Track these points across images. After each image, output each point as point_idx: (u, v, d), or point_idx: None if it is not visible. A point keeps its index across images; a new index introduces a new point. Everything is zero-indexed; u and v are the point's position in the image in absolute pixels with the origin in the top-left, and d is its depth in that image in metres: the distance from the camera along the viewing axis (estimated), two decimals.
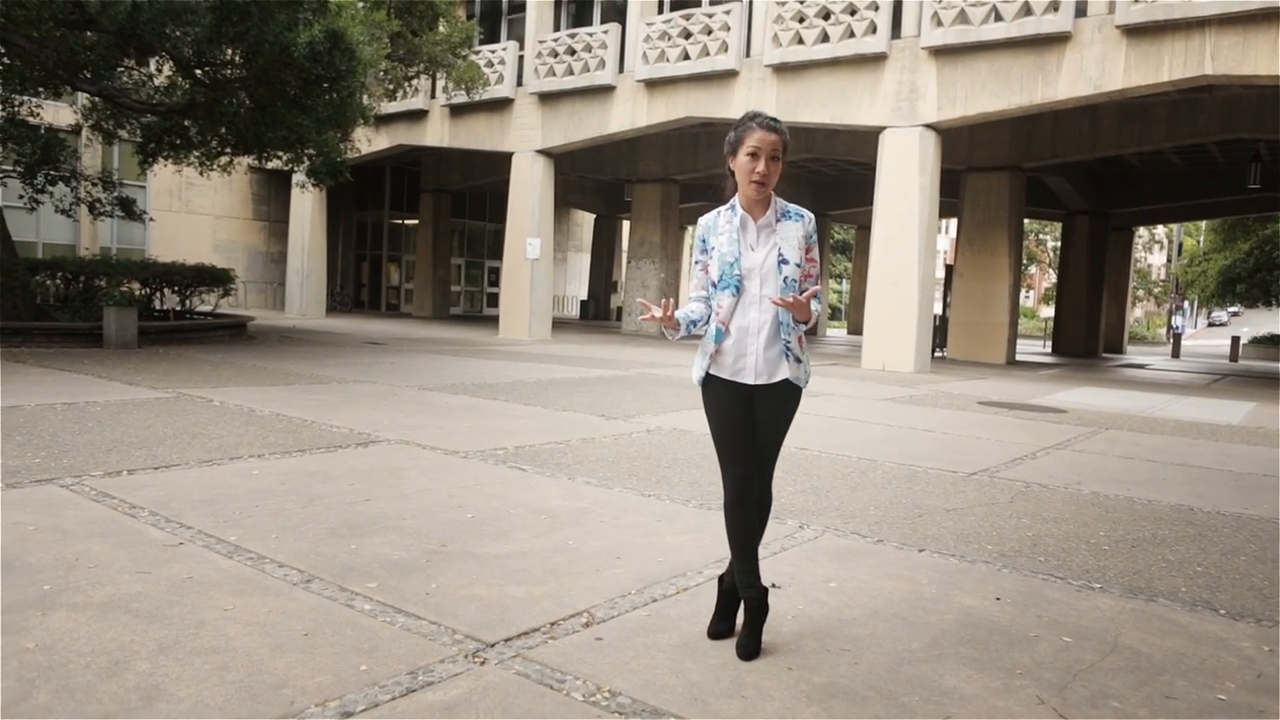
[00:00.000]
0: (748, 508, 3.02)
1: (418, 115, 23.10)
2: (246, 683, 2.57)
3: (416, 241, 31.71)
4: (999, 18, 15.04)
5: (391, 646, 2.87)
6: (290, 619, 3.06)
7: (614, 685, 2.68)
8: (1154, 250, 68.01)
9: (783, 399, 3.05)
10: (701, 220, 3.11)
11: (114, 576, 3.37)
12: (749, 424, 3.02)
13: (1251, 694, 2.88)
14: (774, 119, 2.95)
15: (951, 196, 21.31)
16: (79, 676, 2.54)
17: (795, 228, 3.02)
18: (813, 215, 3.09)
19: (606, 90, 19.85)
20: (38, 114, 15.65)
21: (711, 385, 3.03)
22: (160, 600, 3.15)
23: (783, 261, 2.99)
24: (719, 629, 3.12)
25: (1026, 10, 14.79)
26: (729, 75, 18.06)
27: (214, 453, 5.79)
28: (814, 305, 3.04)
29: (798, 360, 3.04)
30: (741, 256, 3.01)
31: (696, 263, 3.11)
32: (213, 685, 2.53)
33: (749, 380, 2.99)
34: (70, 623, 2.91)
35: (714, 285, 3.02)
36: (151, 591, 3.23)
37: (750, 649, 2.95)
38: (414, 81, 18.49)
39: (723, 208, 3.07)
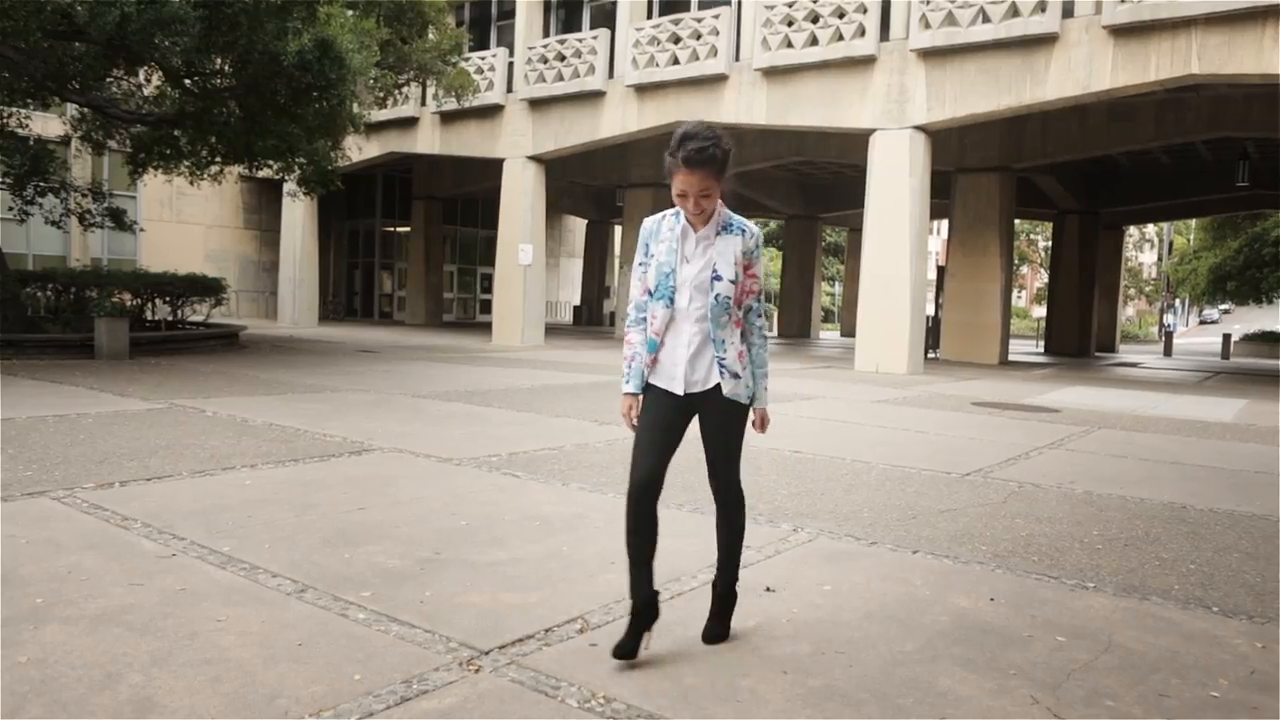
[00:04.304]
0: (639, 515, 2.93)
1: (408, 123, 23.10)
2: (240, 694, 2.56)
3: (409, 249, 31.69)
4: (986, 19, 15.10)
5: (386, 655, 2.86)
6: (284, 629, 3.05)
7: (609, 691, 2.68)
8: (1145, 249, 68.29)
9: (720, 413, 2.97)
10: (645, 223, 3.03)
11: (107, 589, 3.36)
12: (673, 433, 2.96)
13: (1245, 691, 2.89)
14: (703, 144, 2.76)
15: (942, 198, 21.37)
16: (72, 690, 2.53)
17: (734, 243, 2.92)
18: (758, 231, 2.98)
19: (597, 96, 19.87)
20: (26, 125, 15.62)
21: (650, 391, 2.98)
22: (153, 612, 3.14)
23: (716, 278, 2.89)
24: (711, 632, 3.13)
25: (1014, 11, 14.85)
26: (719, 79, 18.09)
27: (207, 463, 5.77)
28: (756, 320, 3.01)
29: (734, 376, 2.93)
30: (678, 268, 2.93)
31: (640, 265, 3.02)
32: (206, 696, 2.53)
33: (678, 390, 2.93)
34: (63, 635, 2.90)
35: (649, 294, 2.96)
36: (144, 603, 3.22)
37: (628, 649, 2.89)
38: (404, 89, 18.50)
39: (668, 211, 2.99)
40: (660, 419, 2.95)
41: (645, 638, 2.95)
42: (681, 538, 4.43)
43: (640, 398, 3.00)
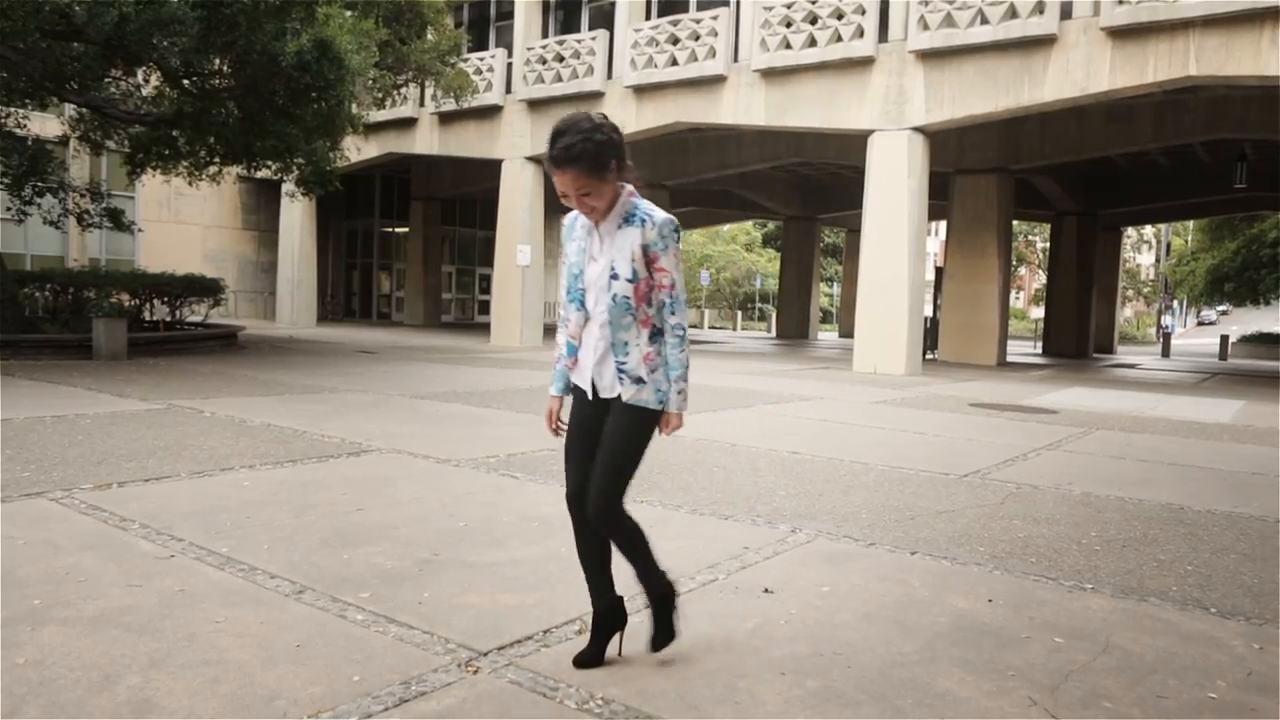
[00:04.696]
0: (576, 522, 2.86)
1: (407, 123, 23.09)
2: (239, 695, 2.56)
3: (407, 249, 31.68)
4: (985, 21, 15.12)
5: (384, 657, 2.86)
6: (282, 630, 3.05)
7: (607, 693, 2.68)
8: (1142, 250, 68.33)
9: (618, 415, 2.76)
10: (564, 221, 2.88)
11: (105, 590, 3.36)
12: (596, 440, 2.79)
13: (1243, 692, 2.90)
14: (571, 141, 2.59)
15: (940, 199, 21.39)
16: (70, 691, 2.53)
17: (632, 235, 2.68)
18: (664, 219, 2.69)
19: (595, 97, 19.87)
20: (25, 125, 15.61)
21: (576, 395, 2.87)
22: (151, 613, 3.14)
23: (613, 276, 2.69)
24: (653, 641, 2.94)
25: (1012, 13, 14.87)
26: (717, 80, 18.10)
27: (205, 464, 5.77)
28: (670, 319, 2.77)
29: (637, 380, 2.73)
30: (586, 267, 2.77)
31: (564, 264, 2.90)
32: (205, 698, 2.53)
33: (590, 393, 2.81)
34: (61, 637, 2.90)
35: (566, 295, 2.84)
36: (143, 604, 3.22)
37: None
38: (403, 90, 18.50)
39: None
40: (580, 426, 2.83)
41: (616, 642, 2.91)
42: (680, 539, 4.44)
43: (563, 401, 2.92)
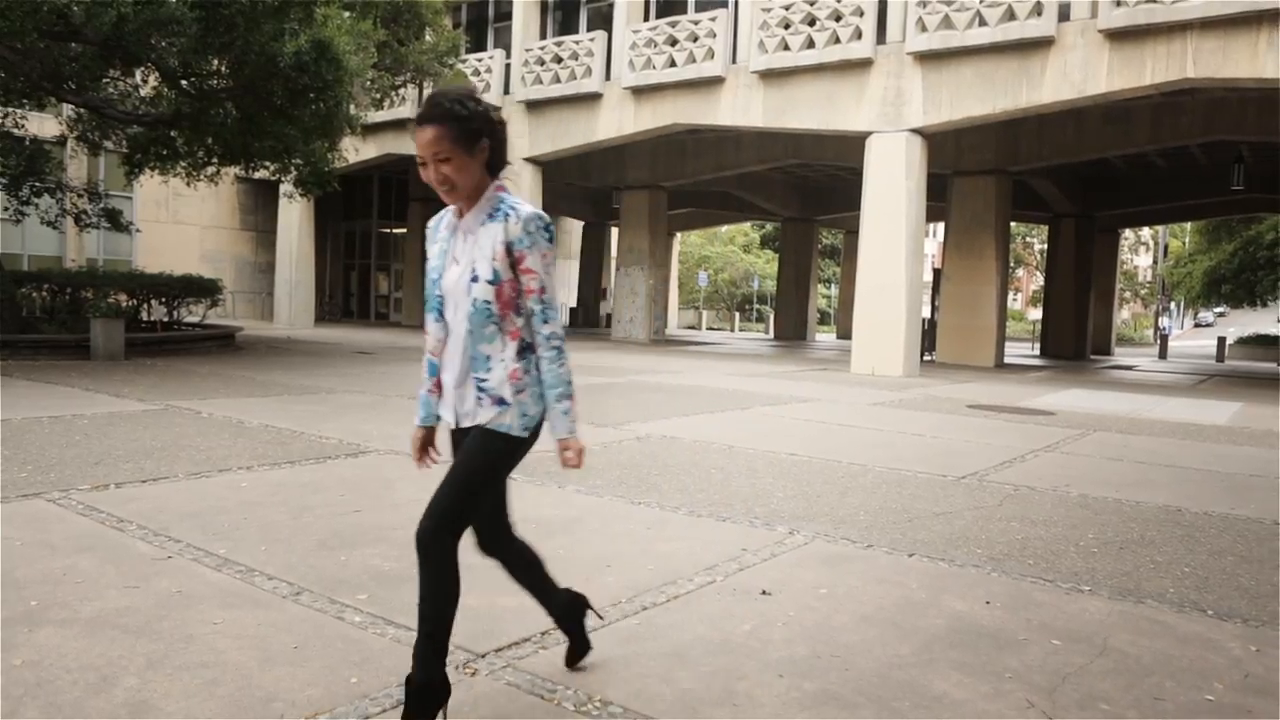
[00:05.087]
0: (505, 557, 2.68)
1: (405, 124, 23.09)
2: (236, 697, 2.55)
3: (405, 250, 31.67)
4: (983, 23, 15.14)
5: (382, 658, 2.86)
6: (280, 632, 3.05)
7: (605, 694, 2.68)
8: (1140, 252, 68.46)
9: (474, 438, 2.43)
10: (429, 224, 2.58)
11: (102, 591, 3.35)
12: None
13: (1240, 694, 2.90)
14: (441, 101, 2.33)
15: (938, 200, 21.42)
16: (67, 693, 2.53)
17: (495, 232, 2.37)
18: (535, 213, 2.38)
19: (593, 98, 19.89)
20: (22, 125, 15.59)
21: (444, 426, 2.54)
22: (149, 614, 3.14)
23: (473, 279, 2.37)
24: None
25: (1010, 15, 14.89)
26: (715, 82, 18.11)
27: (202, 465, 5.76)
28: (543, 328, 2.41)
29: (500, 402, 2.38)
30: (446, 271, 2.44)
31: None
32: (202, 700, 2.52)
33: (451, 421, 2.48)
34: (58, 638, 2.90)
35: (425, 305, 2.52)
36: (140, 606, 3.22)
37: None
38: (401, 90, 18.48)
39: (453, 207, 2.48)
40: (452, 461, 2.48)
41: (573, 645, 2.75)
42: (678, 540, 4.44)
43: (433, 431, 2.59)
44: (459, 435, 2.48)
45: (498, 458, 2.43)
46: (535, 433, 2.46)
